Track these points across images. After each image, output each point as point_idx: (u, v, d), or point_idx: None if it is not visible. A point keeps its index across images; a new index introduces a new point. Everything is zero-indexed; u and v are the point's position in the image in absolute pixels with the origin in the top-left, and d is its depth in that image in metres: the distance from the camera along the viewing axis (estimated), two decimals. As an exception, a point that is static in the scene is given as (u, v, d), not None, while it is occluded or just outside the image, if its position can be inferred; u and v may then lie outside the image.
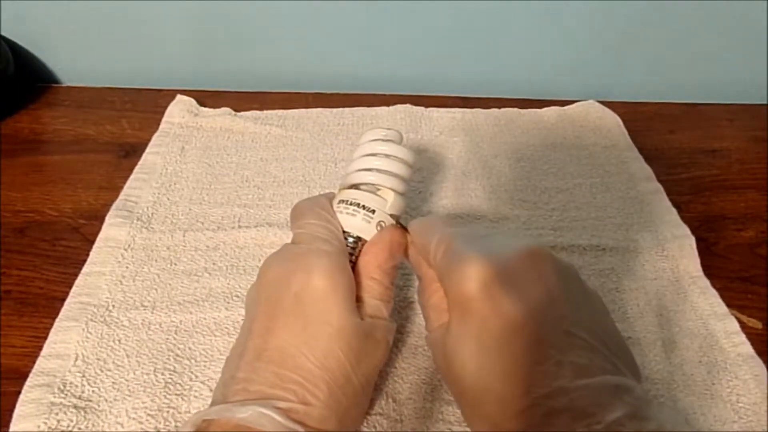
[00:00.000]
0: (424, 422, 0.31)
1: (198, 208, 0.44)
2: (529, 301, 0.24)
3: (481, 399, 0.23)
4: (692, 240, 0.41)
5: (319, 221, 0.30)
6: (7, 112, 0.55)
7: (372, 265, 0.29)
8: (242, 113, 0.54)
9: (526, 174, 0.48)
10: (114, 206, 0.43)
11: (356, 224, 0.30)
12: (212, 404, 0.25)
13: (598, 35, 0.58)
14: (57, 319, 0.35)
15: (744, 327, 0.36)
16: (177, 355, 0.33)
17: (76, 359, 0.33)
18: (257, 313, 0.27)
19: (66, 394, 0.31)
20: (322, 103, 0.56)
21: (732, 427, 0.31)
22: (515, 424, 0.22)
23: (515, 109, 0.56)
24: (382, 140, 0.32)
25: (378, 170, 0.31)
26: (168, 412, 0.31)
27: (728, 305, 0.37)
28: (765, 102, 0.60)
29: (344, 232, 0.30)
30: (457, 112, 0.55)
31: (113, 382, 0.32)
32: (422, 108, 0.55)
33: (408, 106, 0.55)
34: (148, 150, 0.49)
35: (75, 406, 0.30)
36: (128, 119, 0.55)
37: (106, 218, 0.42)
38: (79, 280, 0.37)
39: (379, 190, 0.31)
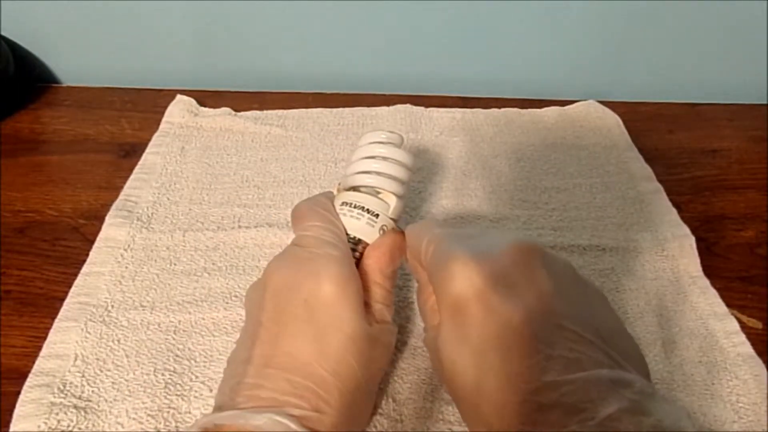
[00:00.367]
0: (424, 422, 0.31)
1: (198, 208, 0.44)
2: (517, 297, 0.23)
3: (473, 397, 0.23)
4: (692, 240, 0.41)
5: (325, 224, 0.29)
6: (7, 112, 0.55)
7: (375, 269, 0.30)
8: (242, 113, 0.54)
9: (526, 174, 0.48)
10: (114, 206, 0.43)
11: (360, 228, 0.30)
12: (217, 408, 0.25)
13: (598, 35, 0.58)
14: (56, 320, 0.35)
15: (744, 327, 0.36)
16: (177, 356, 0.33)
17: (76, 359, 0.33)
18: (264, 318, 0.27)
19: (66, 394, 0.31)
20: (322, 103, 0.56)
21: (732, 427, 0.31)
22: (507, 421, 0.22)
23: (515, 109, 0.56)
24: (384, 143, 0.32)
25: (380, 173, 0.31)
26: (168, 412, 0.31)
27: (728, 305, 0.37)
28: (765, 102, 0.60)
29: (346, 234, 0.30)
30: (457, 112, 0.55)
31: (113, 382, 0.32)
32: (422, 108, 0.55)
33: (408, 106, 0.55)
34: (148, 150, 0.49)
35: (75, 406, 0.30)
36: (128, 119, 0.55)
37: (106, 218, 0.42)
38: (79, 281, 0.37)
39: (379, 193, 0.31)
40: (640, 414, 0.20)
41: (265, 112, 0.55)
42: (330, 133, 0.52)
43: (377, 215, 0.30)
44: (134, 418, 0.30)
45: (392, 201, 0.31)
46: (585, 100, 0.57)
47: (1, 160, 0.49)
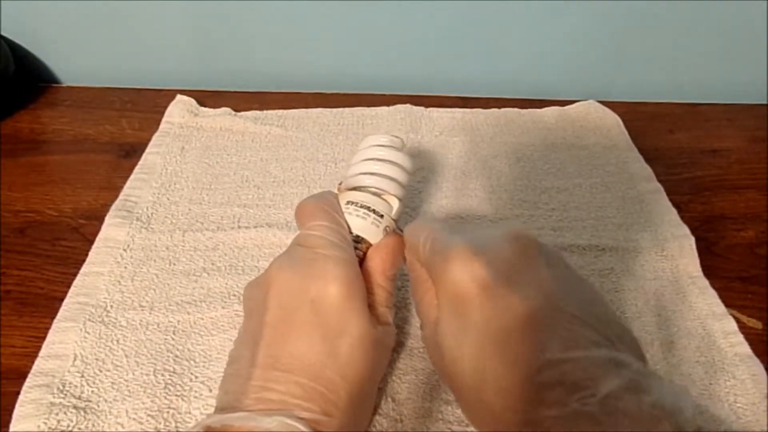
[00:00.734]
0: (424, 422, 0.31)
1: (198, 208, 0.44)
2: (517, 284, 0.24)
3: (475, 384, 0.23)
4: (692, 240, 0.41)
5: (331, 224, 0.29)
6: (7, 112, 0.55)
7: (379, 271, 0.30)
8: (242, 113, 0.54)
9: (526, 174, 0.48)
10: (114, 206, 0.43)
11: (366, 227, 0.30)
12: (220, 409, 0.25)
13: (598, 35, 0.58)
14: (55, 320, 0.35)
15: (743, 327, 0.36)
16: (176, 356, 0.33)
17: (75, 359, 0.33)
18: (268, 318, 0.27)
19: (65, 395, 0.31)
20: (322, 103, 0.56)
21: (730, 427, 0.31)
22: (510, 404, 0.22)
23: (515, 109, 0.56)
24: (388, 146, 0.33)
25: (384, 176, 0.32)
26: (168, 412, 0.31)
27: (728, 305, 0.37)
28: (765, 102, 0.60)
29: (349, 233, 0.30)
30: (457, 112, 0.55)
31: (112, 383, 0.32)
32: (422, 108, 0.55)
33: (408, 106, 0.55)
34: (148, 150, 0.49)
35: (75, 407, 0.31)
36: (128, 119, 0.55)
37: (106, 218, 0.42)
38: (78, 281, 0.37)
39: (382, 195, 0.31)
40: (640, 392, 0.20)
41: (265, 112, 0.55)
42: (330, 133, 0.52)
43: (382, 216, 0.31)
44: (134, 419, 0.30)
45: (395, 203, 0.31)
46: (585, 100, 0.57)
47: (1, 160, 0.49)
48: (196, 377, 0.32)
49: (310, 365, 0.25)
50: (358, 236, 0.30)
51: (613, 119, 0.55)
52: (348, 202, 0.31)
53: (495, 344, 0.23)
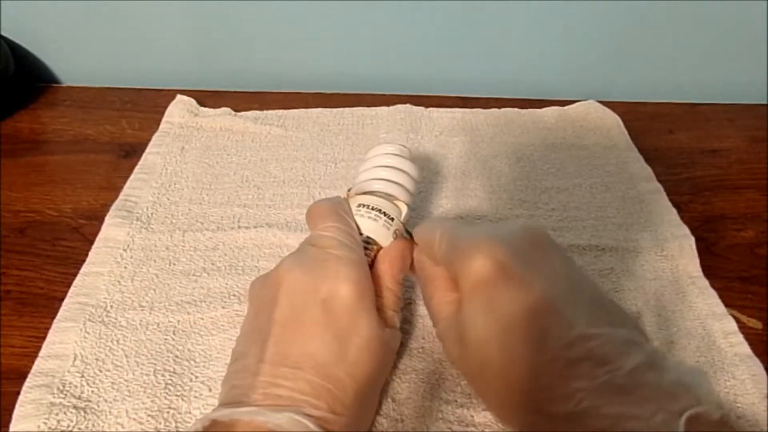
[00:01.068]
0: (424, 421, 0.31)
1: (198, 208, 0.44)
2: (537, 269, 0.25)
3: (502, 367, 0.24)
4: (692, 240, 0.41)
5: (343, 225, 0.30)
6: (7, 112, 0.55)
7: (388, 275, 0.30)
8: (242, 113, 0.54)
9: (526, 174, 0.48)
10: (114, 206, 0.43)
11: (376, 229, 0.31)
12: (224, 401, 0.25)
13: (598, 35, 0.58)
14: (55, 320, 0.35)
15: (743, 327, 0.36)
16: (176, 356, 0.33)
17: (75, 360, 0.33)
18: (277, 316, 0.27)
19: (65, 395, 0.31)
20: (322, 103, 0.56)
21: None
22: (540, 380, 0.22)
23: (515, 109, 0.56)
24: (398, 155, 0.34)
25: (394, 182, 0.33)
26: (169, 413, 0.31)
27: (728, 305, 0.37)
28: (765, 102, 0.60)
29: (359, 234, 0.31)
30: (457, 112, 0.55)
31: (112, 383, 0.32)
32: (422, 108, 0.55)
33: (408, 106, 0.55)
34: (148, 150, 0.49)
35: (75, 407, 0.31)
36: (128, 119, 0.55)
37: (106, 218, 0.42)
38: (77, 281, 0.37)
39: (392, 200, 0.33)
40: (660, 369, 0.21)
41: (265, 112, 0.55)
42: (330, 133, 0.52)
43: (392, 219, 0.32)
44: (134, 419, 0.30)
45: (404, 209, 0.33)
46: (585, 100, 0.57)
47: (1, 160, 0.49)
48: (197, 377, 0.32)
49: (320, 363, 0.25)
50: (368, 238, 0.31)
51: (613, 119, 0.55)
52: (359, 205, 0.32)
53: (523, 324, 0.24)
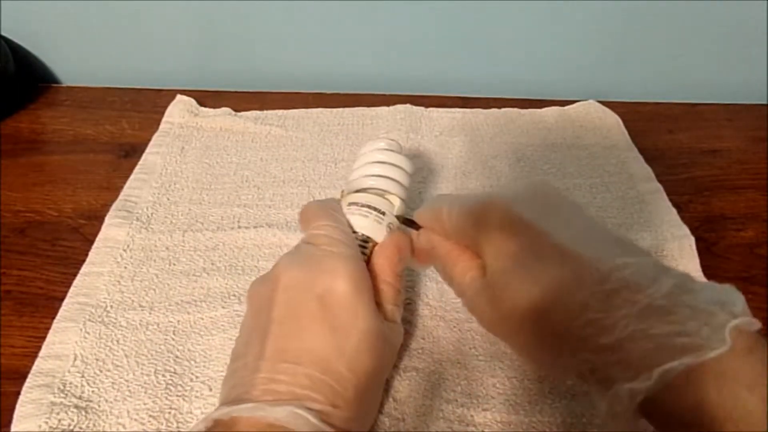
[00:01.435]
0: (425, 420, 0.31)
1: (198, 208, 0.44)
2: (555, 215, 0.26)
3: (539, 311, 0.24)
4: (692, 240, 0.41)
5: (336, 223, 0.30)
6: (7, 112, 0.55)
7: (385, 268, 0.30)
8: (242, 113, 0.54)
9: (526, 174, 0.48)
10: (114, 206, 0.43)
11: (368, 225, 0.31)
12: (225, 401, 0.25)
13: (598, 35, 0.58)
14: (55, 320, 0.35)
15: (743, 327, 0.36)
16: (176, 356, 0.33)
17: (75, 359, 0.33)
18: (275, 313, 0.27)
19: (66, 395, 0.31)
20: (322, 103, 0.56)
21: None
22: (579, 316, 0.23)
23: (515, 109, 0.56)
24: (386, 149, 0.34)
25: (384, 177, 0.33)
26: (170, 413, 0.31)
27: (728, 305, 0.37)
28: (765, 102, 0.60)
29: (354, 233, 0.31)
30: (457, 112, 0.55)
31: (113, 383, 0.32)
32: (422, 108, 0.55)
33: (408, 106, 0.55)
34: (148, 150, 0.49)
35: (75, 406, 0.30)
36: (128, 119, 0.55)
37: (106, 218, 0.42)
38: (78, 281, 0.37)
39: (383, 195, 0.32)
40: (691, 291, 0.22)
41: (265, 112, 0.55)
42: (330, 133, 0.52)
43: (384, 213, 0.31)
44: (136, 419, 0.30)
45: (396, 202, 0.32)
46: (585, 100, 0.57)
47: (1, 160, 0.49)
48: (197, 377, 0.32)
49: (319, 358, 0.25)
50: (362, 236, 0.31)
51: (613, 119, 0.55)
52: (349, 204, 0.32)
53: (556, 266, 0.24)
